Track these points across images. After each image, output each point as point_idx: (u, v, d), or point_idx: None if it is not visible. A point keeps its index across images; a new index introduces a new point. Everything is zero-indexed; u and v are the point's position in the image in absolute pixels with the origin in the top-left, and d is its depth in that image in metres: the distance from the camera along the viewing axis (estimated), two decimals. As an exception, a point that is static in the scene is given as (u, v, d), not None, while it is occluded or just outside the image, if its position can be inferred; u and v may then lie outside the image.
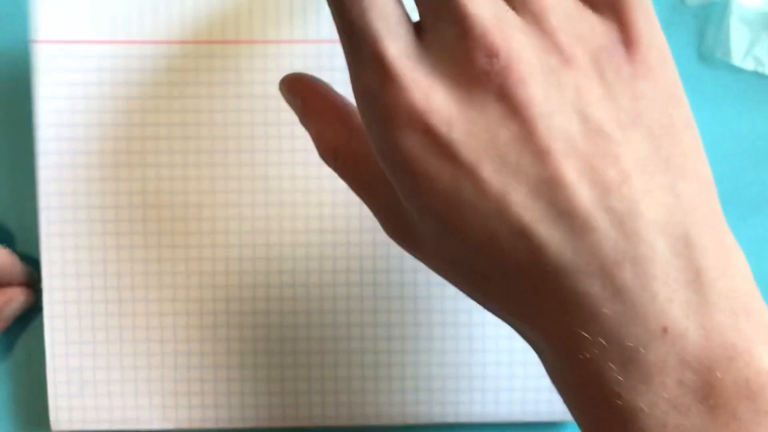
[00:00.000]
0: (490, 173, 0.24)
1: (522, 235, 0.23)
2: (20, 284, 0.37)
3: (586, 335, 0.23)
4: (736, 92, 0.38)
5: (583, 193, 0.23)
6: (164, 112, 0.36)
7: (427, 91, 0.24)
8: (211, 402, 0.37)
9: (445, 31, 0.24)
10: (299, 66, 0.37)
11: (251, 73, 0.37)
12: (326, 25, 0.37)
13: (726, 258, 0.24)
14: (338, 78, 0.36)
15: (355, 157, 0.27)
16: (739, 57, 0.37)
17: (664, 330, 0.23)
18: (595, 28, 0.25)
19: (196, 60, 0.36)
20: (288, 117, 0.37)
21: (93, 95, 0.36)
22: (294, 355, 0.37)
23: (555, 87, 0.24)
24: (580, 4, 0.25)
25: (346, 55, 0.26)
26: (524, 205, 0.23)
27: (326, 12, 0.37)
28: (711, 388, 0.23)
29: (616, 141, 0.24)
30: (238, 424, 0.37)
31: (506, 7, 0.24)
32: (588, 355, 0.23)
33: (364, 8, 0.24)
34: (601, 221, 0.23)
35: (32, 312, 0.38)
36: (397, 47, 0.24)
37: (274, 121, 0.37)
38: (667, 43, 0.26)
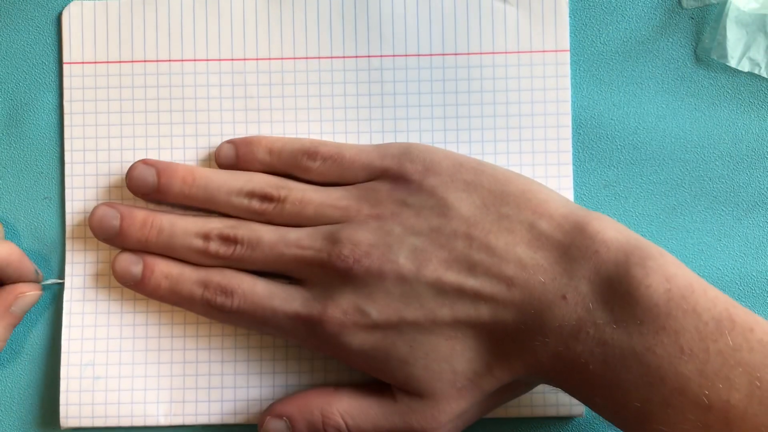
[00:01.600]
0: (413, 311, 0.33)
1: (457, 324, 0.33)
2: (29, 280, 0.38)
3: None
4: (731, 94, 0.38)
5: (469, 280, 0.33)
6: (179, 123, 0.39)
7: (333, 308, 0.34)
8: (217, 397, 0.38)
9: (312, 270, 0.35)
10: (303, 80, 0.39)
11: (268, 88, 0.39)
12: (337, 42, 0.39)
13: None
14: (350, 91, 0.39)
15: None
16: (735, 59, 0.37)
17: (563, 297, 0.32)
18: (381, 189, 0.35)
19: (208, 76, 0.39)
20: (291, 127, 0.39)
21: (114, 109, 0.39)
22: (299, 349, 0.38)
23: (384, 235, 0.34)
24: (362, 187, 0.36)
25: (285, 336, 0.36)
26: (451, 305, 0.33)
27: (332, 29, 0.38)
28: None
29: (450, 228, 0.33)
30: (244, 420, 0.38)
31: (320, 228, 0.35)
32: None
33: (264, 305, 0.35)
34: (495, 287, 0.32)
35: (43, 311, 0.39)
36: (298, 303, 0.35)
37: (279, 132, 0.39)
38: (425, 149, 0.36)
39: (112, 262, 0.37)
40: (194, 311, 0.37)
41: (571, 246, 0.32)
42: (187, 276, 0.36)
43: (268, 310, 0.35)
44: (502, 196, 0.34)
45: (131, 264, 0.37)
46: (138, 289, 0.37)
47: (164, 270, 0.36)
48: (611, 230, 0.32)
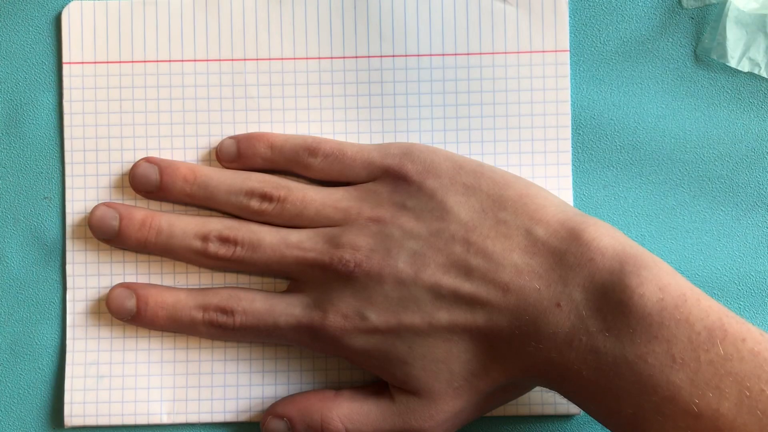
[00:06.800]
0: (411, 315, 0.33)
1: (454, 327, 0.33)
2: None
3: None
4: (731, 94, 0.38)
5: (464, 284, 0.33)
6: (179, 123, 0.39)
7: (334, 314, 0.34)
8: (220, 395, 0.38)
9: (313, 272, 0.35)
10: (303, 80, 0.39)
11: (269, 88, 0.39)
12: (337, 42, 0.39)
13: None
14: (350, 91, 0.39)
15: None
16: (734, 59, 0.37)
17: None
18: (381, 192, 0.35)
19: (208, 76, 0.39)
20: (291, 128, 0.39)
21: (114, 109, 0.39)
22: (300, 348, 0.38)
23: (384, 240, 0.34)
24: (362, 187, 0.36)
25: (286, 334, 0.36)
26: (448, 309, 0.33)
27: (332, 29, 0.38)
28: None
29: (449, 232, 0.34)
30: (246, 418, 0.38)
31: (321, 231, 0.35)
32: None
33: (266, 319, 0.35)
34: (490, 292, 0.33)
35: (47, 312, 0.39)
36: (298, 311, 0.35)
37: (280, 130, 0.39)
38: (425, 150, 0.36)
39: (106, 300, 0.38)
40: (197, 335, 0.37)
41: (566, 253, 0.32)
42: (183, 302, 0.36)
43: (270, 323, 0.35)
44: (500, 200, 0.34)
45: (125, 299, 0.37)
46: (136, 322, 0.37)
47: (158, 300, 0.37)
48: (607, 237, 0.32)
